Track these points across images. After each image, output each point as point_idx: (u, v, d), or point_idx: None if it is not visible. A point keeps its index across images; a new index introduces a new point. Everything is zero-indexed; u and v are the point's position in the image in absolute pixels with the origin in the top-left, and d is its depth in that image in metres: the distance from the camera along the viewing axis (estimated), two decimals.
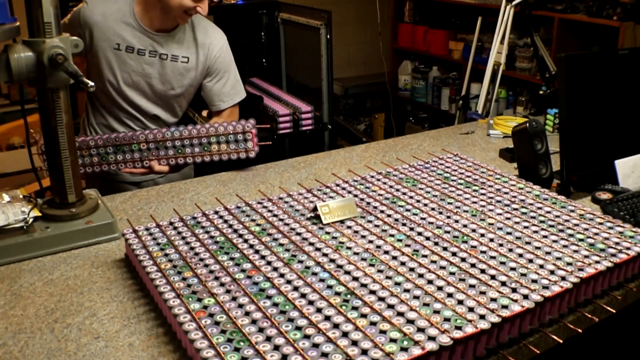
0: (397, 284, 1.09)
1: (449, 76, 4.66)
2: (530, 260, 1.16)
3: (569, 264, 1.15)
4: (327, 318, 0.99)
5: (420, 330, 0.95)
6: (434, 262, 1.16)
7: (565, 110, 1.62)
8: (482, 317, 0.98)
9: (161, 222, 1.35)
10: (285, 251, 1.22)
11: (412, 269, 1.14)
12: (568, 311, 1.12)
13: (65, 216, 1.41)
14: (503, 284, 1.08)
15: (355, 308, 1.01)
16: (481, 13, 3.57)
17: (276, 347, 0.92)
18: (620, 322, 1.46)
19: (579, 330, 1.09)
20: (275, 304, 1.03)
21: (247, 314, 1.00)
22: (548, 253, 1.19)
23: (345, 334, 0.94)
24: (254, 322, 0.98)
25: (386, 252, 1.20)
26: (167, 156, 1.78)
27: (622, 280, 1.20)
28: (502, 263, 1.15)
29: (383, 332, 0.95)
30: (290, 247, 1.23)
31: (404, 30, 4.94)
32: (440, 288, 1.07)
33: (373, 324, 0.97)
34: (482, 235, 1.27)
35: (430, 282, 1.09)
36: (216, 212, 1.41)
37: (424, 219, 1.36)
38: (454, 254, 1.19)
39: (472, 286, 1.08)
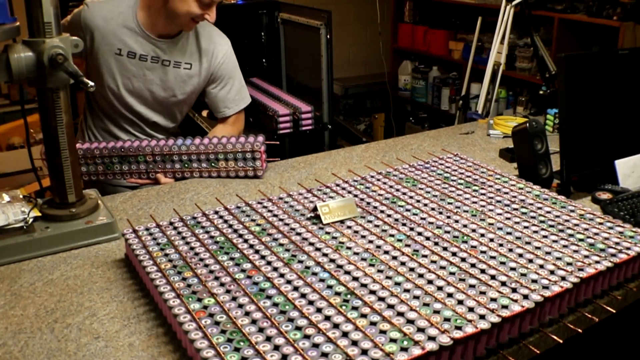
0: (397, 284, 1.09)
1: (449, 76, 4.67)
2: (530, 260, 1.16)
3: (569, 264, 1.15)
4: (327, 318, 0.99)
5: (420, 330, 0.95)
6: (434, 262, 1.16)
7: (565, 110, 1.62)
8: (482, 317, 0.98)
9: (161, 222, 1.35)
10: (285, 251, 1.22)
11: (412, 269, 1.14)
12: (568, 311, 1.12)
13: (65, 216, 1.41)
14: (503, 284, 1.08)
15: (355, 308, 1.01)
16: (481, 13, 3.57)
17: (276, 347, 0.92)
18: (620, 322, 1.46)
19: (579, 330, 1.09)
20: (275, 304, 1.03)
21: (247, 314, 1.00)
22: (548, 253, 1.19)
23: (345, 334, 0.94)
24: (254, 322, 0.98)
25: (386, 252, 1.21)
26: (174, 169, 1.77)
27: (622, 280, 1.20)
28: (502, 263, 1.15)
29: (383, 332, 0.95)
30: (290, 247, 1.23)
31: (404, 30, 4.95)
32: (440, 288, 1.07)
33: (373, 324, 0.97)
34: (482, 235, 1.27)
35: (430, 282, 1.09)
36: (216, 212, 1.41)
37: (424, 219, 1.36)
38: (454, 254, 1.19)
39: (472, 286, 1.08)
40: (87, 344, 1.04)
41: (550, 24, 3.64)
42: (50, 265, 1.31)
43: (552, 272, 1.12)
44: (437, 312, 1.00)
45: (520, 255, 1.18)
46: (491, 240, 1.25)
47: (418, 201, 1.46)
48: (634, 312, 1.35)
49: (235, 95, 2.02)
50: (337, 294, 1.06)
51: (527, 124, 1.65)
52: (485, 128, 2.28)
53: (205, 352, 0.90)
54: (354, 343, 0.92)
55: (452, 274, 1.12)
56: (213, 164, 1.77)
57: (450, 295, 1.05)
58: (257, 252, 1.22)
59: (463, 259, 1.17)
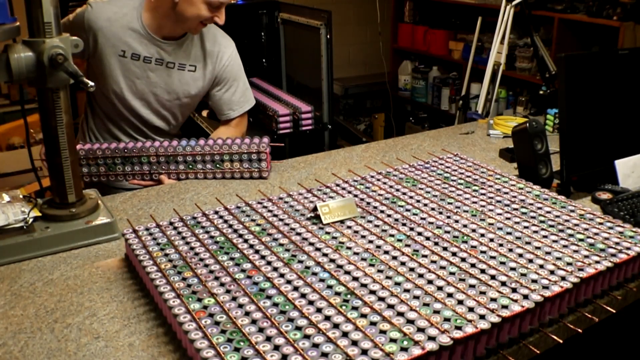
0: (397, 284, 1.09)
1: (449, 76, 4.67)
2: (530, 260, 1.16)
3: (569, 264, 1.15)
4: (327, 318, 0.99)
5: (420, 330, 0.95)
6: (434, 262, 1.16)
7: (565, 110, 1.62)
8: (482, 317, 0.98)
9: (161, 222, 1.35)
10: (285, 251, 1.22)
11: (412, 269, 1.14)
12: (568, 311, 1.12)
13: (65, 216, 1.41)
14: (503, 284, 1.08)
15: (355, 308, 1.01)
16: (481, 13, 3.57)
17: (276, 347, 0.92)
18: (620, 322, 1.46)
19: (579, 330, 1.09)
20: (275, 304, 1.03)
21: (247, 314, 1.00)
22: (548, 253, 1.19)
23: (345, 334, 0.94)
24: (254, 322, 0.98)
25: (386, 252, 1.21)
26: (177, 170, 1.76)
27: (622, 280, 1.20)
28: (502, 263, 1.15)
29: (383, 332, 0.95)
30: (290, 247, 1.23)
31: (404, 30, 4.95)
32: (440, 288, 1.07)
33: (373, 324, 0.97)
34: (482, 235, 1.27)
35: (430, 282, 1.09)
36: (216, 212, 1.41)
37: (424, 219, 1.36)
38: (454, 254, 1.19)
39: (472, 286, 1.08)
40: (87, 344, 1.04)
41: (550, 24, 3.64)
42: (50, 265, 1.31)
43: (552, 272, 1.12)
44: (437, 312, 1.00)
45: (520, 255, 1.18)
46: (491, 240, 1.25)
47: (418, 201, 1.46)
48: (634, 312, 1.35)
49: (240, 97, 2.00)
50: (337, 294, 1.06)
51: (527, 124, 1.65)
52: (485, 128, 2.28)
53: (205, 352, 0.90)
54: (354, 343, 0.92)
55: (452, 274, 1.12)
56: (218, 165, 1.76)
57: (450, 295, 1.05)
58: (257, 252, 1.22)
59: (463, 259, 1.17)
